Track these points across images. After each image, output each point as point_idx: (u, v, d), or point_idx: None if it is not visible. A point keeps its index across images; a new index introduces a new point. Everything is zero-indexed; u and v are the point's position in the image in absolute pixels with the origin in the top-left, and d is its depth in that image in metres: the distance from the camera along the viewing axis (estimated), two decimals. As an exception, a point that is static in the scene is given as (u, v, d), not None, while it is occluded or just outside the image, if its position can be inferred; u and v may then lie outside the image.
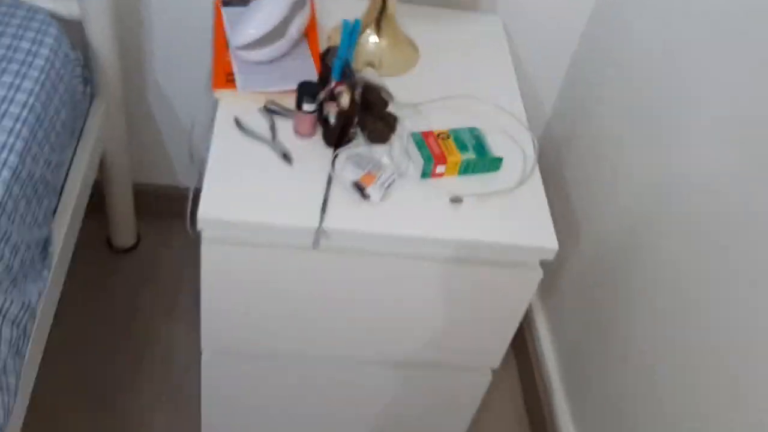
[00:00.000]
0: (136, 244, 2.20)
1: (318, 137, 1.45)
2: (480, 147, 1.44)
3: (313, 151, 1.42)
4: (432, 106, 1.56)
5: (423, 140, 1.43)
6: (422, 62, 1.66)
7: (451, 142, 1.44)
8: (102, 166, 1.94)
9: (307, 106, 1.39)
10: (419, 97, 1.57)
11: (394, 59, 1.63)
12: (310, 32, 1.61)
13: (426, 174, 1.42)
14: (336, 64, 1.38)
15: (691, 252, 1.39)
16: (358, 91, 1.38)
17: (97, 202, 1.98)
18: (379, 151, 1.44)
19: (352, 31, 1.38)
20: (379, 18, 1.59)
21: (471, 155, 1.42)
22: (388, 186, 1.36)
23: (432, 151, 1.41)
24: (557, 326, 1.93)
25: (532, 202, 1.42)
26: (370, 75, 1.57)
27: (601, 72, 1.78)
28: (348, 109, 1.38)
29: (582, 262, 1.80)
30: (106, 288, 2.10)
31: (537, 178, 1.47)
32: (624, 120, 1.66)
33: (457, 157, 1.41)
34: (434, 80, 1.62)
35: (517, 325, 1.50)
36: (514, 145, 1.52)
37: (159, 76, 1.95)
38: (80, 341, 1.98)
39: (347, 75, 1.39)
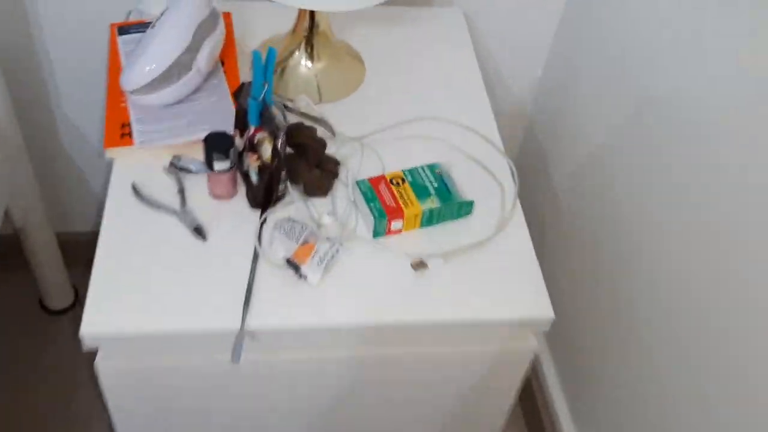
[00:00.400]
0: (73, 303, 1.92)
1: (241, 196, 1.15)
2: (444, 190, 1.15)
3: (234, 216, 1.13)
4: (383, 137, 1.26)
5: (372, 189, 1.14)
6: (370, 79, 1.36)
7: (407, 187, 1.14)
8: (13, 219, 1.65)
9: (220, 164, 1.09)
10: (367, 127, 1.27)
11: (334, 82, 1.33)
12: (227, 57, 1.31)
13: (379, 233, 1.13)
14: (251, 106, 1.08)
15: (693, 259, 1.10)
16: (281, 140, 1.08)
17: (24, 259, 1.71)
18: (318, 206, 1.15)
19: (266, 63, 1.08)
20: (310, 37, 1.28)
21: (434, 202, 1.13)
22: (332, 258, 1.07)
23: (384, 203, 1.12)
24: (563, 359, 1.65)
25: (516, 254, 1.13)
26: (304, 106, 1.27)
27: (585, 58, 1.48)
28: (271, 162, 1.08)
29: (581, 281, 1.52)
30: (39, 358, 1.82)
31: (519, 219, 1.18)
32: (611, 119, 1.36)
33: (416, 207, 1.12)
34: (385, 100, 1.32)
35: (512, 400, 1.22)
36: (487, 176, 1.23)
37: (69, 113, 1.65)
38: (11, 420, 1.70)
39: (267, 118, 1.09)
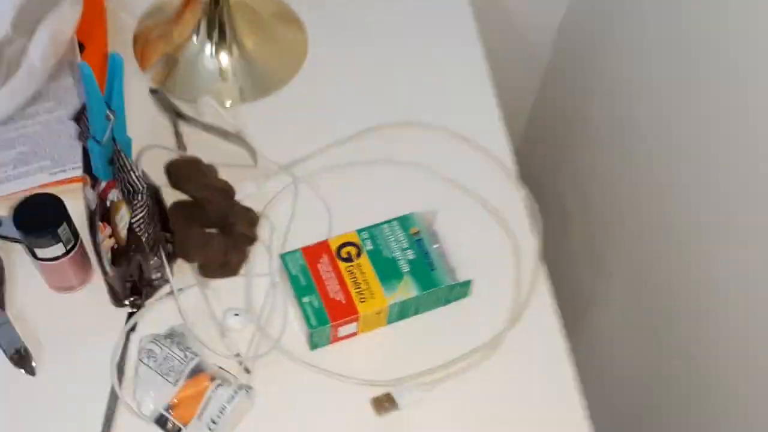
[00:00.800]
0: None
1: (98, 281, 0.72)
2: (424, 262, 0.71)
3: (84, 321, 0.70)
4: (332, 162, 0.81)
5: (308, 270, 0.70)
6: (315, 57, 0.89)
7: (365, 263, 0.71)
8: None
9: (47, 250, 0.66)
10: (306, 143, 0.82)
11: (259, 70, 0.87)
12: (91, 38, 0.85)
13: (318, 345, 0.70)
14: (93, 152, 0.64)
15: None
16: (143, 208, 0.64)
17: None
18: (223, 295, 0.72)
19: (110, 80, 0.62)
20: (213, 16, 0.82)
21: (407, 289, 0.70)
22: (234, 410, 0.64)
23: (327, 295, 0.69)
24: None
25: (539, 361, 0.71)
26: (207, 114, 0.82)
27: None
28: (126, 241, 0.65)
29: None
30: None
31: (543, 298, 0.75)
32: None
33: (378, 301, 0.69)
34: (337, 95, 0.86)
35: None
36: (492, 224, 0.79)
37: None
38: None
39: (120, 167, 0.64)
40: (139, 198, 0.62)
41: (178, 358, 0.65)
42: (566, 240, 1.10)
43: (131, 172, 0.62)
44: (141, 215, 0.63)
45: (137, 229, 0.63)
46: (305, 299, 0.68)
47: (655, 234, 0.91)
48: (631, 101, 0.93)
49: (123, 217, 0.65)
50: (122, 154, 0.63)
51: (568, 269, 1.09)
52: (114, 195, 0.66)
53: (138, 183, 0.62)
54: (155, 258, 0.67)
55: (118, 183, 0.64)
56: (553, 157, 1.15)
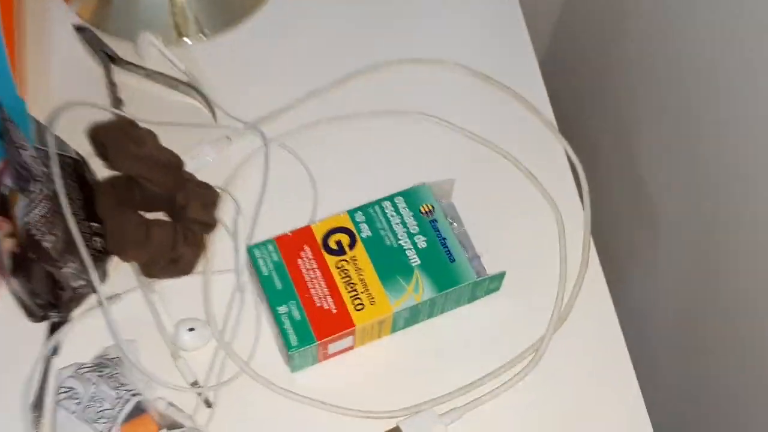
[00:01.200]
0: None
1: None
2: (440, 252, 0.53)
3: (-9, 344, 0.53)
4: (312, 116, 0.62)
5: (284, 268, 0.52)
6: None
7: (361, 255, 0.52)
8: None
9: None
10: (280, 91, 0.63)
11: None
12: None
13: (300, 367, 0.53)
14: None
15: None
16: (38, 192, 0.45)
17: None
18: (175, 301, 0.54)
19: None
20: None
21: (419, 290, 0.52)
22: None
23: (311, 302, 0.51)
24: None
25: (603, 385, 0.53)
26: (150, 55, 0.63)
27: None
28: (27, 243, 0.47)
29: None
30: None
31: (599, 286, 0.57)
32: None
33: (378, 308, 0.51)
34: (322, 25, 0.67)
35: None
36: (526, 190, 0.60)
37: None
38: None
39: (11, 141, 0.46)
40: (36, 188, 0.44)
41: (110, 397, 0.48)
42: (606, 198, 0.91)
43: (21, 150, 0.44)
44: (40, 212, 0.44)
45: (35, 232, 0.45)
46: (282, 309, 0.50)
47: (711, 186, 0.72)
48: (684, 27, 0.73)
49: (23, 210, 0.47)
50: (11, 125, 0.45)
51: (605, 230, 0.90)
52: (9, 184, 0.47)
53: (32, 167, 0.43)
54: (72, 263, 0.49)
55: (9, 165, 0.46)
56: (581, 100, 0.95)
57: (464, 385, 0.53)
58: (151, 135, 0.54)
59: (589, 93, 0.87)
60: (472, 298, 0.55)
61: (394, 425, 0.51)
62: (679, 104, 0.66)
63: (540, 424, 0.52)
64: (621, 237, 0.82)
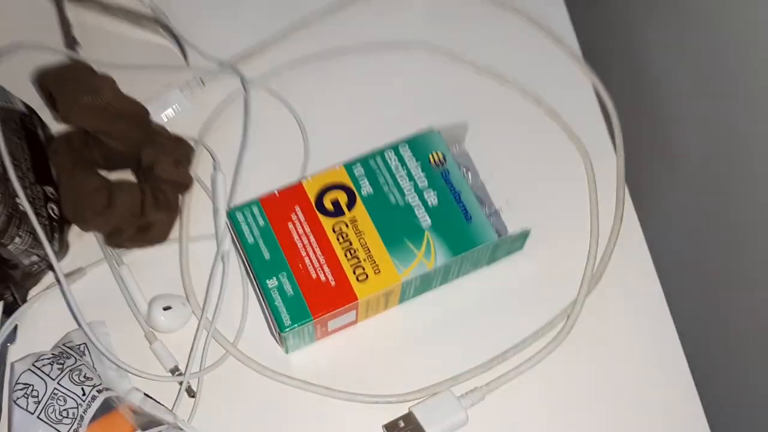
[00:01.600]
0: None
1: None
2: (453, 209, 0.45)
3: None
4: (298, 51, 0.54)
5: (271, 232, 0.44)
6: None
7: (361, 215, 0.45)
8: None
9: None
10: (261, 23, 0.54)
11: None
12: None
13: (294, 347, 0.46)
14: None
15: None
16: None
17: None
18: (146, 276, 0.46)
19: None
20: None
21: (430, 255, 0.44)
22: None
23: (303, 274, 0.43)
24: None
25: (648, 360, 0.46)
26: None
27: None
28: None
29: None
30: None
31: (636, 238, 0.49)
32: None
33: (384, 278, 0.43)
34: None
35: None
36: (550, 131, 0.52)
37: None
38: None
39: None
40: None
41: (74, 394, 0.41)
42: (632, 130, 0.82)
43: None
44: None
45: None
46: (271, 283, 0.43)
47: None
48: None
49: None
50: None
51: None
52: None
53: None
54: (20, 237, 0.42)
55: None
56: (605, 27, 0.86)
57: (486, 360, 0.46)
58: (110, 81, 0.46)
59: (614, 21, 0.78)
60: (492, 260, 0.48)
61: (407, 410, 0.44)
62: (708, 38, 0.57)
63: (577, 401, 0.45)
64: (641, 178, 0.74)
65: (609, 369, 0.46)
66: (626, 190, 0.51)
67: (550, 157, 0.52)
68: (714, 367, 0.56)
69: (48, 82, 0.45)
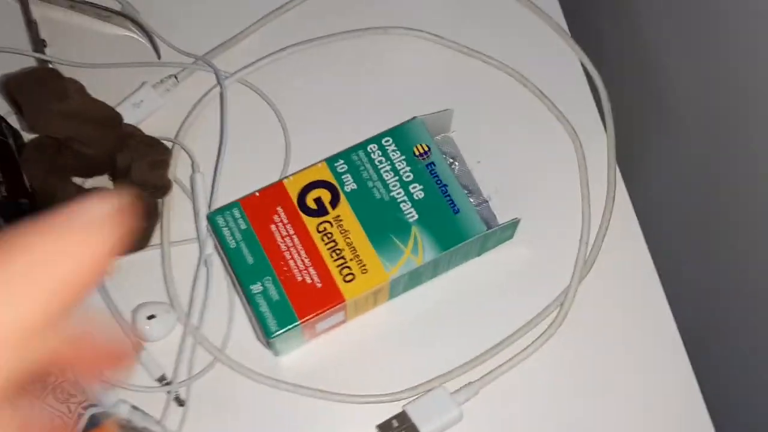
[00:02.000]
0: None
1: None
2: (440, 202, 0.44)
3: None
4: (275, 42, 0.52)
5: (253, 235, 0.43)
6: None
7: (345, 213, 0.43)
8: None
9: None
10: (236, 15, 0.52)
11: None
12: None
13: (284, 351, 0.45)
14: None
15: None
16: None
17: None
18: (131, 283, 0.45)
19: None
20: None
21: (418, 251, 0.43)
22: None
23: (288, 277, 0.42)
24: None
25: (644, 349, 0.45)
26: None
27: None
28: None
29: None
30: None
31: (630, 225, 0.48)
32: None
33: (372, 277, 0.42)
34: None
35: None
36: (538, 113, 0.51)
37: None
38: None
39: None
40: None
41: (58, 411, 0.40)
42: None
43: None
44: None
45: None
46: (255, 288, 0.42)
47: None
48: None
49: None
50: None
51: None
52: None
53: None
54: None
55: None
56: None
57: (478, 354, 0.45)
58: (77, 85, 0.44)
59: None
60: (482, 251, 0.47)
61: (400, 409, 0.43)
62: (700, 6, 0.55)
63: (574, 390, 0.44)
64: (633, 156, 0.72)
65: (605, 355, 0.45)
66: (617, 171, 0.50)
67: (539, 138, 0.50)
68: (714, 355, 0.55)
69: (13, 90, 0.43)
